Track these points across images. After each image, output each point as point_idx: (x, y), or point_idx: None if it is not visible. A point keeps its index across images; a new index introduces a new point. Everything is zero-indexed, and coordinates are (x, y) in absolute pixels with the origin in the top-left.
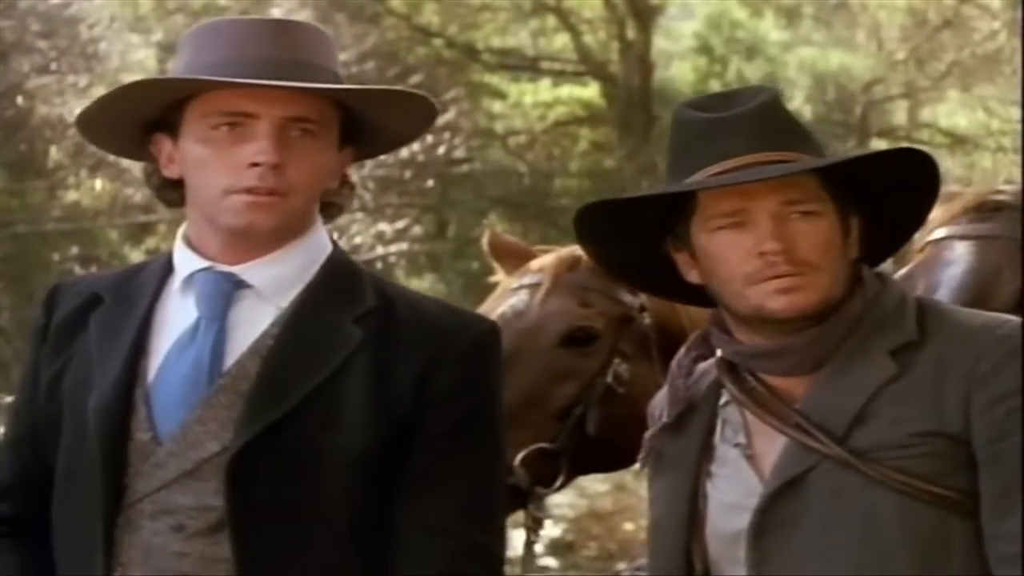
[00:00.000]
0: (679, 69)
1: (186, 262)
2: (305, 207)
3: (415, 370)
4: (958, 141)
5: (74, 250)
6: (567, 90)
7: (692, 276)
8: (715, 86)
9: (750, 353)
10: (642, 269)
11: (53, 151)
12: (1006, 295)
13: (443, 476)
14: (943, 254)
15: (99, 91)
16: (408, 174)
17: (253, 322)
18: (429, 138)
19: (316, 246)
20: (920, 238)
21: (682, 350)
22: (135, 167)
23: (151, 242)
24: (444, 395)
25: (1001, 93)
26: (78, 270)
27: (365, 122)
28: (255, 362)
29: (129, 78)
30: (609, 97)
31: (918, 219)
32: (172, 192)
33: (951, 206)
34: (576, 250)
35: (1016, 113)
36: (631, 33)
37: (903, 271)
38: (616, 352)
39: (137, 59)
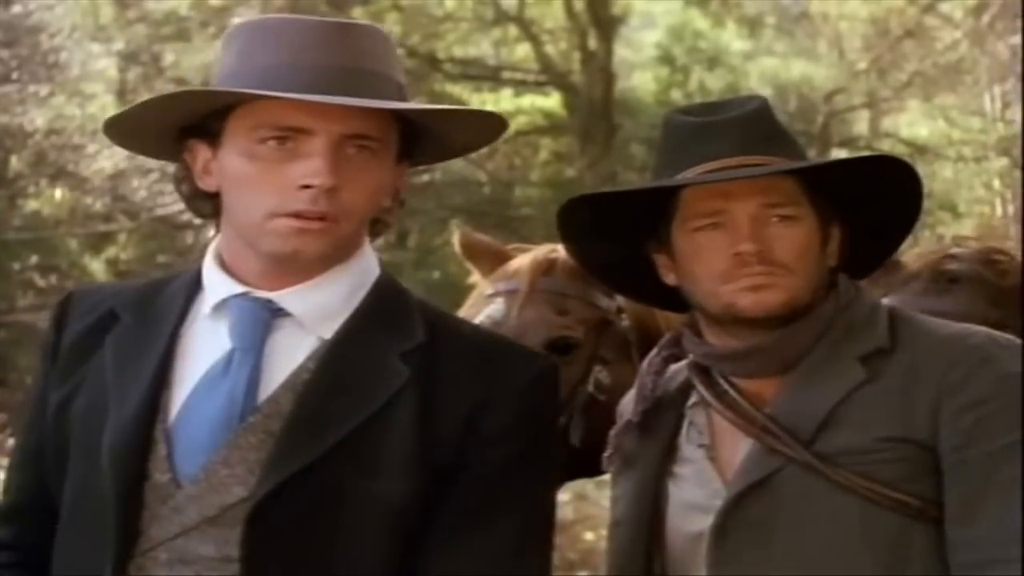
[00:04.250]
0: (641, 79)
1: (218, 285)
2: (358, 232)
3: (465, 410)
4: (919, 151)
5: (34, 259)
6: (529, 100)
7: (670, 279)
8: (677, 96)
9: (720, 355)
10: (621, 271)
11: (13, 160)
12: None
13: (485, 524)
14: None
15: (60, 100)
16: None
17: (290, 354)
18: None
19: (363, 270)
20: None
21: (654, 350)
22: (95, 176)
23: (111, 251)
24: (498, 434)
25: (962, 103)
26: (38, 279)
27: (427, 135)
28: (289, 399)
29: (90, 87)
30: (571, 107)
31: (901, 232)
32: (204, 204)
33: (901, 274)
34: (551, 252)
35: (977, 123)
36: (593, 43)
37: None
38: (596, 359)
39: (98, 68)
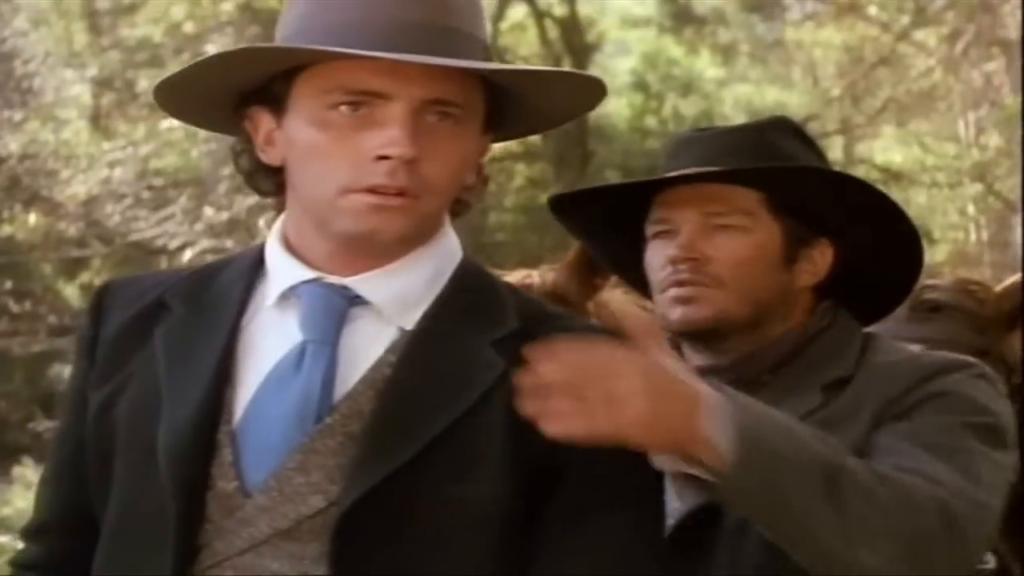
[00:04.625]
0: (615, 105)
1: (285, 270)
2: (440, 210)
3: None
4: (893, 177)
5: (8, 284)
6: None
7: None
8: (651, 122)
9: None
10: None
11: None
12: None
13: (598, 521)
14: None
15: (34, 125)
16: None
17: (369, 347)
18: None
19: (446, 253)
20: None
21: None
22: (69, 202)
23: (85, 277)
24: None
25: (936, 129)
26: (12, 304)
27: (516, 102)
28: (369, 396)
29: (64, 113)
30: (545, 133)
31: (910, 267)
32: (267, 179)
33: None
34: (526, 277)
35: (951, 149)
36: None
37: None
38: None
39: (72, 94)
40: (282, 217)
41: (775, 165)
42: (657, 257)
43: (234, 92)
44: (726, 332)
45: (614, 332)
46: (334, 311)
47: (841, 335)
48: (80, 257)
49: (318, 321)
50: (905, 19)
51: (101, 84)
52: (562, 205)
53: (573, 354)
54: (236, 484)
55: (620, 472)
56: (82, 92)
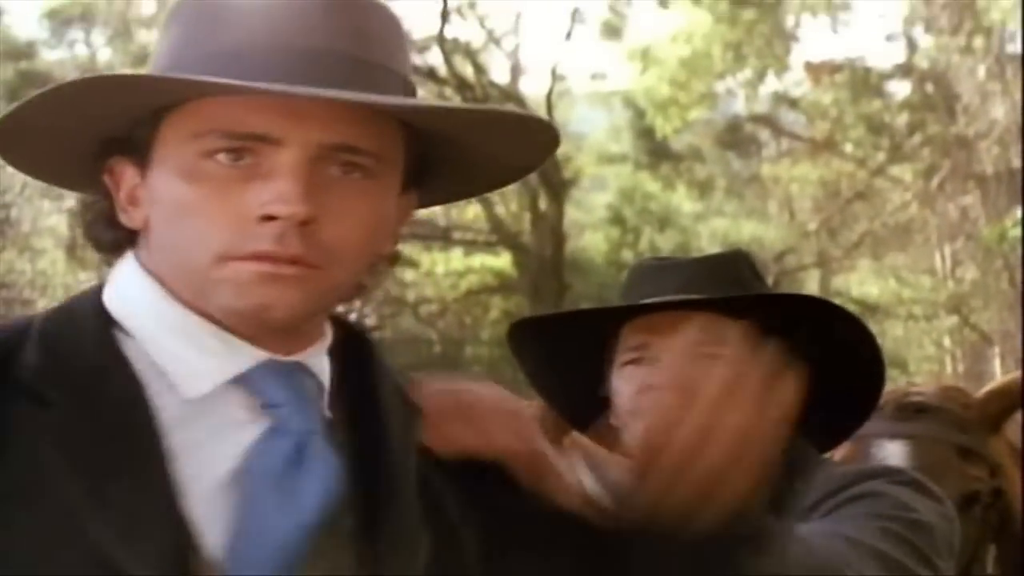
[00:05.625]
0: (592, 239)
1: (220, 349)
2: (348, 286)
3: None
4: (870, 310)
5: None
6: (479, 259)
7: (613, 417)
8: (628, 255)
9: None
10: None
11: None
12: (951, 499)
13: None
14: (872, 452)
15: (10, 255)
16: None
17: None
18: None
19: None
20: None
21: None
22: None
23: None
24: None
25: (912, 262)
26: None
27: (446, 154)
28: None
29: (40, 242)
30: (521, 266)
31: (869, 397)
32: (110, 232)
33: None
34: None
35: (927, 281)
36: (543, 204)
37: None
38: None
39: (49, 224)
40: (135, 277)
41: (765, 293)
42: (631, 383)
43: (95, 141)
44: None
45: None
46: (311, 397)
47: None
48: None
49: (301, 409)
50: (881, 155)
51: (78, 215)
52: (523, 332)
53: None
54: None
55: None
56: (59, 223)
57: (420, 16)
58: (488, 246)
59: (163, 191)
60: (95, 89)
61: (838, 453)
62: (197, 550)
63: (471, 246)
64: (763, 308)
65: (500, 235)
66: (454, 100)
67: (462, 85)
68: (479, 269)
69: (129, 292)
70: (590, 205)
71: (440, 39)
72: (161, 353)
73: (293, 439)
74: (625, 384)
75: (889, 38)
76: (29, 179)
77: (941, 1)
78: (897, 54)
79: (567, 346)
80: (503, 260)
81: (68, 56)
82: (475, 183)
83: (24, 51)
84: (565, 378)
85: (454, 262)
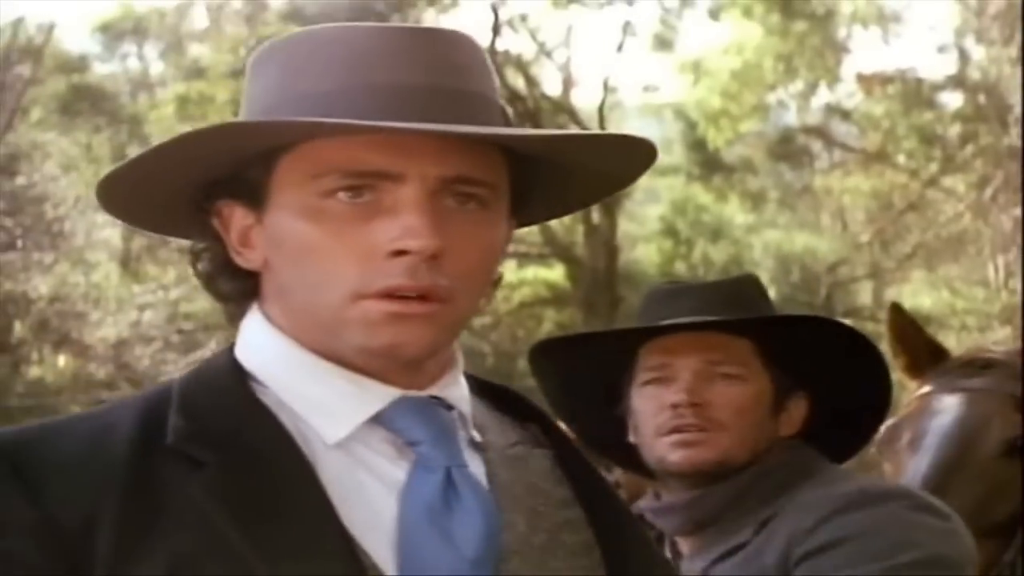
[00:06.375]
0: (645, 251)
1: (353, 391)
2: (470, 315)
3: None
4: (923, 321)
5: None
6: (532, 272)
7: (632, 437)
8: (681, 268)
9: (652, 509)
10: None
11: (17, 327)
12: (993, 443)
13: None
14: (931, 405)
15: (64, 268)
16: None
17: (473, 466)
18: None
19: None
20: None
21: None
22: (98, 344)
23: None
24: None
25: (965, 273)
26: None
27: (543, 178)
28: (520, 526)
29: (94, 255)
30: (574, 278)
31: (876, 416)
32: (232, 282)
33: (945, 364)
34: None
35: (980, 293)
36: (596, 217)
37: (889, 422)
38: None
39: (103, 237)
40: (262, 328)
41: (777, 315)
42: (652, 403)
43: (197, 185)
44: (725, 473)
45: None
46: (449, 429)
47: (786, 477)
48: (109, 400)
49: (444, 440)
50: (933, 166)
51: (131, 228)
52: (543, 354)
53: None
54: None
55: None
56: (112, 235)
57: (472, 29)
58: (541, 258)
59: (285, 232)
60: (217, 135)
61: (910, 406)
62: None
63: (524, 258)
64: (774, 328)
65: (553, 247)
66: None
67: (514, 97)
68: (532, 281)
69: (259, 344)
70: (643, 217)
71: (492, 52)
72: (297, 401)
73: (440, 475)
74: (645, 403)
75: (940, 49)
76: (83, 192)
77: (992, 12)
78: (949, 65)
79: (585, 367)
80: (556, 272)
81: (120, 70)
82: (571, 200)
83: (76, 65)
84: (582, 398)
85: (507, 274)
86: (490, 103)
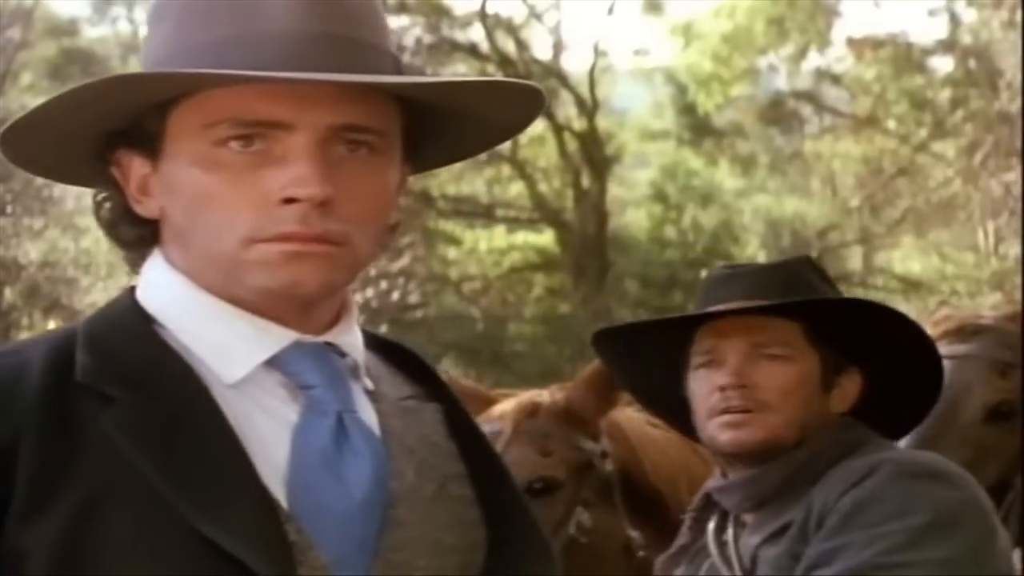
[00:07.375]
0: (634, 216)
1: (251, 333)
2: (369, 256)
3: None
4: (912, 286)
5: None
6: (522, 237)
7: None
8: (670, 233)
9: (716, 488)
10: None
11: (7, 292)
12: (976, 409)
13: None
14: None
15: (54, 233)
16: (361, 319)
17: (365, 414)
18: (383, 284)
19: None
20: None
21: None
22: (88, 310)
23: None
24: None
25: (955, 239)
26: None
27: (436, 124)
28: (410, 470)
29: (84, 221)
30: (564, 244)
31: (931, 389)
32: (132, 229)
33: (933, 331)
34: (536, 396)
35: (970, 258)
36: (586, 182)
37: None
38: (578, 501)
39: (90, 203)
40: (163, 272)
41: (817, 298)
42: (704, 385)
43: (97, 134)
44: (775, 453)
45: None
46: (342, 375)
47: (834, 455)
48: None
49: (334, 388)
50: (923, 131)
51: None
52: (605, 337)
53: None
54: None
55: None
56: None
57: None
58: (531, 223)
59: (180, 181)
60: (106, 89)
61: None
62: (286, 522)
63: (514, 223)
64: (820, 310)
65: (543, 212)
66: (497, 76)
67: (504, 61)
68: (522, 246)
69: (159, 286)
70: (633, 182)
71: (482, 14)
72: (197, 342)
73: (331, 419)
74: (698, 385)
75: (931, 13)
76: None
77: None
78: (940, 29)
79: (650, 351)
80: (546, 237)
81: (110, 33)
82: (465, 146)
83: (66, 28)
84: (651, 381)
85: (497, 239)
86: (383, 52)
